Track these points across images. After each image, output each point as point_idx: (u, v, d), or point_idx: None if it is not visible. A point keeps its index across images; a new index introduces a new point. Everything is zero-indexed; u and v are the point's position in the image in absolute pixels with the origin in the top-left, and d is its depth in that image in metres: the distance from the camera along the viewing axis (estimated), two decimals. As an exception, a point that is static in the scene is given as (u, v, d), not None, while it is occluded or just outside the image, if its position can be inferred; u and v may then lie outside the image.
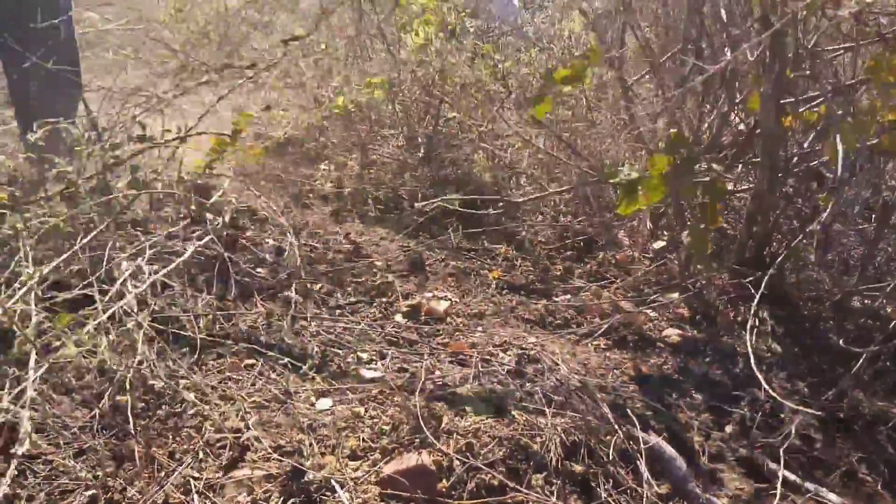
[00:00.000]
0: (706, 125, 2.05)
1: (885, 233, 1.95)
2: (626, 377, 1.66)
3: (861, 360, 1.56)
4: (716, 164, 1.93)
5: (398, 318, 1.80)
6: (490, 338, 1.75)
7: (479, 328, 1.80)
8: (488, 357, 1.65)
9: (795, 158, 1.94)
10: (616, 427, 1.40)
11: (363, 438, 1.34)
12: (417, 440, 1.32)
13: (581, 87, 2.02)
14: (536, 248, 2.30)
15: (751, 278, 1.90)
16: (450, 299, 1.93)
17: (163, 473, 1.23)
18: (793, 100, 1.76)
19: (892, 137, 1.37)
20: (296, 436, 1.32)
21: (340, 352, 1.62)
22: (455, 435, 1.34)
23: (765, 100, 1.69)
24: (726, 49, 1.92)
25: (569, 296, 1.99)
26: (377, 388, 1.48)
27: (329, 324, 1.72)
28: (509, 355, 1.65)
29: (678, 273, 1.98)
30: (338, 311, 1.79)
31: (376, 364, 1.58)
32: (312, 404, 1.43)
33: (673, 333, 1.84)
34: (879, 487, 1.39)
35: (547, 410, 1.42)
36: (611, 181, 1.89)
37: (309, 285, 1.84)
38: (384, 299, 1.88)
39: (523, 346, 1.69)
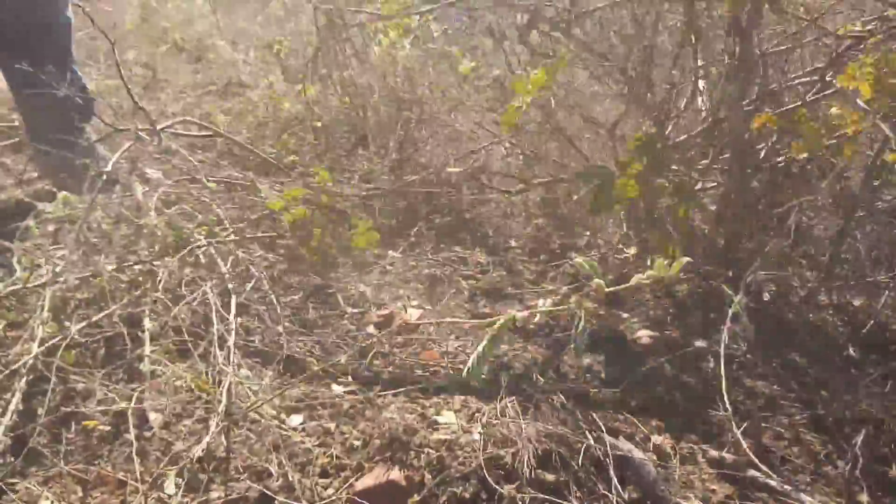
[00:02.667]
0: (673, 124, 2.07)
1: (852, 227, 1.97)
2: (599, 380, 1.67)
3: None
4: (684, 165, 1.95)
5: (370, 329, 1.79)
6: (463, 346, 1.75)
7: (453, 336, 1.80)
8: (461, 366, 1.64)
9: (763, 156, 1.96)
10: (587, 433, 1.40)
11: (334, 455, 1.33)
12: (388, 455, 1.32)
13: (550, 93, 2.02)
14: (509, 252, 2.30)
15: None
16: (422, 308, 1.92)
17: (132, 499, 1.22)
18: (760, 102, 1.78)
19: (850, 147, 1.40)
20: (266, 455, 1.31)
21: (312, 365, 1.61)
22: (427, 448, 1.33)
23: (732, 102, 1.71)
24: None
25: (542, 300, 1.99)
26: (348, 402, 1.47)
27: (301, 337, 1.71)
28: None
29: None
30: (309, 324, 1.78)
31: (347, 378, 1.57)
32: (283, 421, 1.42)
33: (645, 335, 1.85)
34: (847, 483, 1.41)
35: (519, 419, 1.42)
36: (582, 184, 1.90)
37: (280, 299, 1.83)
38: (356, 310, 1.87)
39: (497, 353, 1.69)
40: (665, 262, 1.16)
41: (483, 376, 1.44)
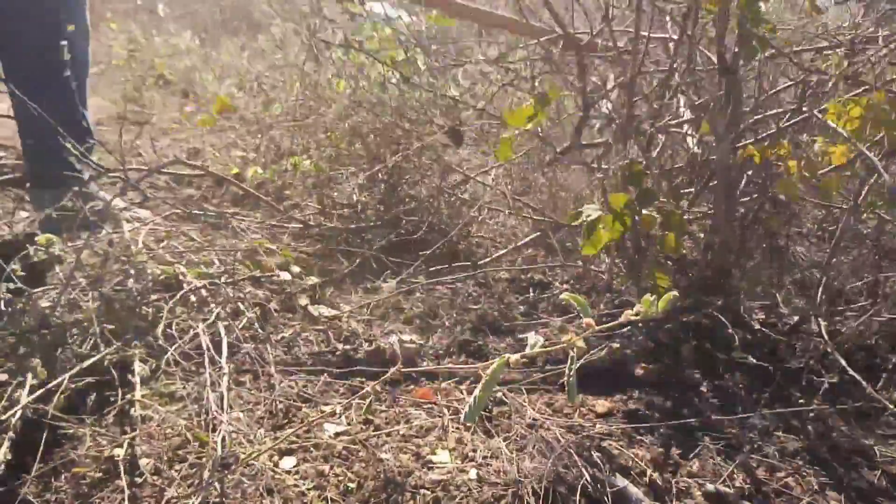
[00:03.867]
0: (661, 156, 2.09)
1: (838, 253, 1.99)
2: (593, 414, 1.67)
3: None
4: (672, 195, 1.97)
5: (362, 366, 1.78)
6: (456, 381, 1.74)
7: (446, 372, 1.79)
8: (455, 402, 1.64)
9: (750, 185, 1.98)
10: (583, 470, 1.40)
11: (329, 498, 1.32)
12: (384, 497, 1.30)
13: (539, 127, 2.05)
14: (500, 283, 2.30)
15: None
16: (415, 343, 1.92)
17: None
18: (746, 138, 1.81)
19: (833, 181, 1.42)
20: (259, 499, 1.30)
21: (304, 406, 1.59)
22: (422, 489, 1.32)
23: (719, 137, 1.73)
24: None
25: (533, 337, 1.98)
26: (342, 442, 1.46)
27: (293, 376, 1.70)
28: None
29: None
30: (300, 362, 1.77)
31: (340, 417, 1.56)
32: (276, 464, 1.40)
33: (638, 365, 1.85)
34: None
35: (515, 458, 1.42)
36: (573, 223, 1.91)
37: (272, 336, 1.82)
38: (348, 347, 1.86)
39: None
40: (651, 298, 1.17)
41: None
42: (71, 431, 1.38)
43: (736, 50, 1.60)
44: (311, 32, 2.71)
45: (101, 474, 1.35)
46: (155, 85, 3.99)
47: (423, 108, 2.44)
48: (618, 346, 1.93)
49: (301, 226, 2.49)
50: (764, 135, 1.82)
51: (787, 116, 1.78)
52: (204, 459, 1.32)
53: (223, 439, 1.33)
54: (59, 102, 2.14)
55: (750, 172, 1.89)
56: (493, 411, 1.61)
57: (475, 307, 2.17)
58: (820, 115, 1.52)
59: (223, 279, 1.89)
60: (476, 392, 1.18)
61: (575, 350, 1.17)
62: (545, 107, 1.72)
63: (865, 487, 1.46)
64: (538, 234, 2.27)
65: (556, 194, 2.47)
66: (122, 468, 1.31)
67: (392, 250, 2.45)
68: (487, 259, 2.28)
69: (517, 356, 1.16)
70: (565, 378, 1.22)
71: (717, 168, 1.80)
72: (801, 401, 1.74)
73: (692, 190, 2.08)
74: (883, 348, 1.98)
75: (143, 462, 1.35)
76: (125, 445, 1.35)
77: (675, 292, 1.24)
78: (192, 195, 2.79)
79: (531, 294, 2.25)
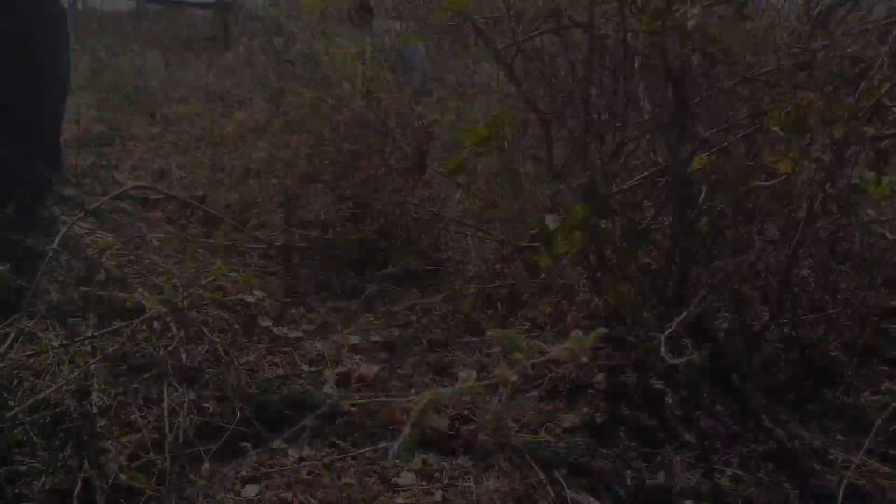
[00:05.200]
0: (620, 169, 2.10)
1: (797, 261, 2.02)
2: (559, 429, 1.67)
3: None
4: (631, 208, 1.98)
5: (327, 387, 1.77)
6: (423, 400, 1.73)
7: (413, 391, 1.78)
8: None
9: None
10: (548, 488, 1.40)
11: (292, 526, 1.30)
12: (347, 523, 1.29)
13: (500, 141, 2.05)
14: (467, 299, 2.30)
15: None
16: (381, 362, 1.91)
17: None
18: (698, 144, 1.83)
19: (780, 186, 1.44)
20: (221, 531, 1.28)
21: (268, 431, 1.57)
22: (386, 514, 1.32)
23: (671, 147, 1.75)
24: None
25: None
26: (306, 468, 1.45)
27: (258, 400, 1.68)
28: (443, 418, 1.63)
29: (605, 317, 2.01)
30: (265, 385, 1.75)
31: (304, 442, 1.54)
32: (238, 492, 1.38)
33: (603, 378, 1.85)
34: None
35: (481, 477, 1.42)
36: (531, 231, 1.92)
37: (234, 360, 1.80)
38: (313, 368, 1.85)
39: (457, 405, 1.68)
40: (579, 335, 1.16)
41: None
42: (24, 467, 1.35)
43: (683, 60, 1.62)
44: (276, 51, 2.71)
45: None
46: (121, 105, 3.95)
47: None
48: (585, 359, 1.93)
49: (266, 245, 2.47)
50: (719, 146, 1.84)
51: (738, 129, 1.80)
52: (161, 491, 1.30)
53: (182, 468, 1.31)
54: (36, 120, 2.12)
55: (704, 187, 1.91)
56: (461, 429, 1.61)
57: (443, 323, 2.16)
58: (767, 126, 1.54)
59: (186, 303, 1.87)
60: (401, 436, 1.17)
61: (508, 386, 1.15)
62: (497, 131, 1.73)
63: (828, 494, 1.48)
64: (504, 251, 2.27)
65: (523, 208, 2.47)
66: None
67: (360, 268, 2.44)
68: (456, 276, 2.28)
69: (449, 390, 1.16)
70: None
71: (673, 178, 1.81)
72: (764, 408, 1.75)
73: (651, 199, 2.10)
74: (844, 353, 2.01)
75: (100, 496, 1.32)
76: (80, 480, 1.32)
77: (605, 330, 1.24)
78: (157, 217, 2.76)
79: (499, 309, 2.25)
